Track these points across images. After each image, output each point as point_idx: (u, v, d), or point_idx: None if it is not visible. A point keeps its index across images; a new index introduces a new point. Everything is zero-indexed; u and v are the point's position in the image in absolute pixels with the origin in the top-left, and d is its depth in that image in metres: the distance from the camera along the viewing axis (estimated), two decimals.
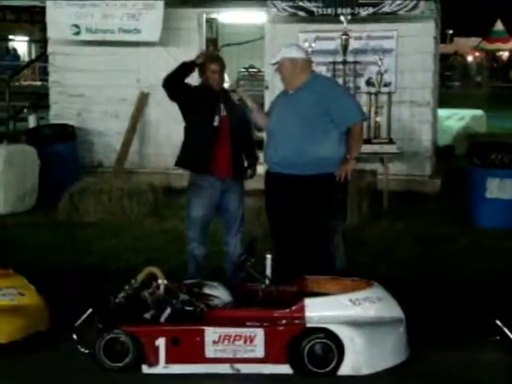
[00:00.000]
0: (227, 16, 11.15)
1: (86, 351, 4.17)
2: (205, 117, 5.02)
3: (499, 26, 29.43)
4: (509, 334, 4.32)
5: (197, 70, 5.16)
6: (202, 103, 5.04)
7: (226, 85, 5.30)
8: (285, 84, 5.09)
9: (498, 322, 4.45)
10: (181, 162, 5.20)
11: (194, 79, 5.33)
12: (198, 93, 5.14)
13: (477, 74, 32.47)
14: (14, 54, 27.50)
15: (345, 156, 4.98)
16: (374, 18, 8.84)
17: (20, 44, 29.38)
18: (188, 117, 5.14)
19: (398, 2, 8.69)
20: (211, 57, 5.31)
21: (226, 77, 6.38)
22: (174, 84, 5.06)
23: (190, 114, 5.11)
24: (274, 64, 5.09)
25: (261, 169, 5.45)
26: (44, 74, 16.18)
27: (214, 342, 4.06)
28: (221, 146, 5.04)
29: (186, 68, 5.12)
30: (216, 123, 5.00)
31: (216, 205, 5.14)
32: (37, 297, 4.69)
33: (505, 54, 34.56)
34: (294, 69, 4.97)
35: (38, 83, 21.64)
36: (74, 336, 4.22)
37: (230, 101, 5.16)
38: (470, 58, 34.93)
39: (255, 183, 5.51)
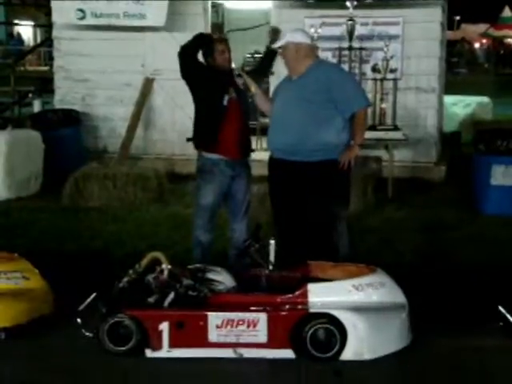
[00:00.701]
0: (233, 1, 11.08)
1: (90, 335, 4.20)
2: (215, 95, 4.96)
3: (507, 12, 29.18)
4: (511, 320, 4.32)
5: (201, 53, 5.13)
6: (212, 81, 4.98)
7: None
8: (288, 69, 5.05)
9: (500, 309, 4.46)
10: (193, 141, 5.15)
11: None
12: (209, 71, 5.07)
13: (484, 60, 32.28)
14: (19, 39, 27.47)
15: (348, 142, 4.96)
16: (380, 3, 8.78)
17: (25, 28, 29.31)
18: (198, 95, 5.07)
19: None
20: (219, 38, 5.26)
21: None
22: (190, 53, 4.99)
23: (200, 92, 5.04)
24: (278, 48, 5.06)
25: (265, 155, 5.44)
26: (50, 59, 16.17)
27: (218, 327, 4.08)
28: (229, 127, 4.98)
29: (202, 39, 5.08)
30: (225, 102, 4.95)
31: (225, 192, 5.12)
32: (41, 281, 4.71)
33: None
34: (298, 54, 4.93)
35: (44, 68, 21.67)
36: (78, 320, 4.24)
37: (236, 84, 5.13)
38: (477, 45, 34.71)
39: (260, 169, 5.50)
